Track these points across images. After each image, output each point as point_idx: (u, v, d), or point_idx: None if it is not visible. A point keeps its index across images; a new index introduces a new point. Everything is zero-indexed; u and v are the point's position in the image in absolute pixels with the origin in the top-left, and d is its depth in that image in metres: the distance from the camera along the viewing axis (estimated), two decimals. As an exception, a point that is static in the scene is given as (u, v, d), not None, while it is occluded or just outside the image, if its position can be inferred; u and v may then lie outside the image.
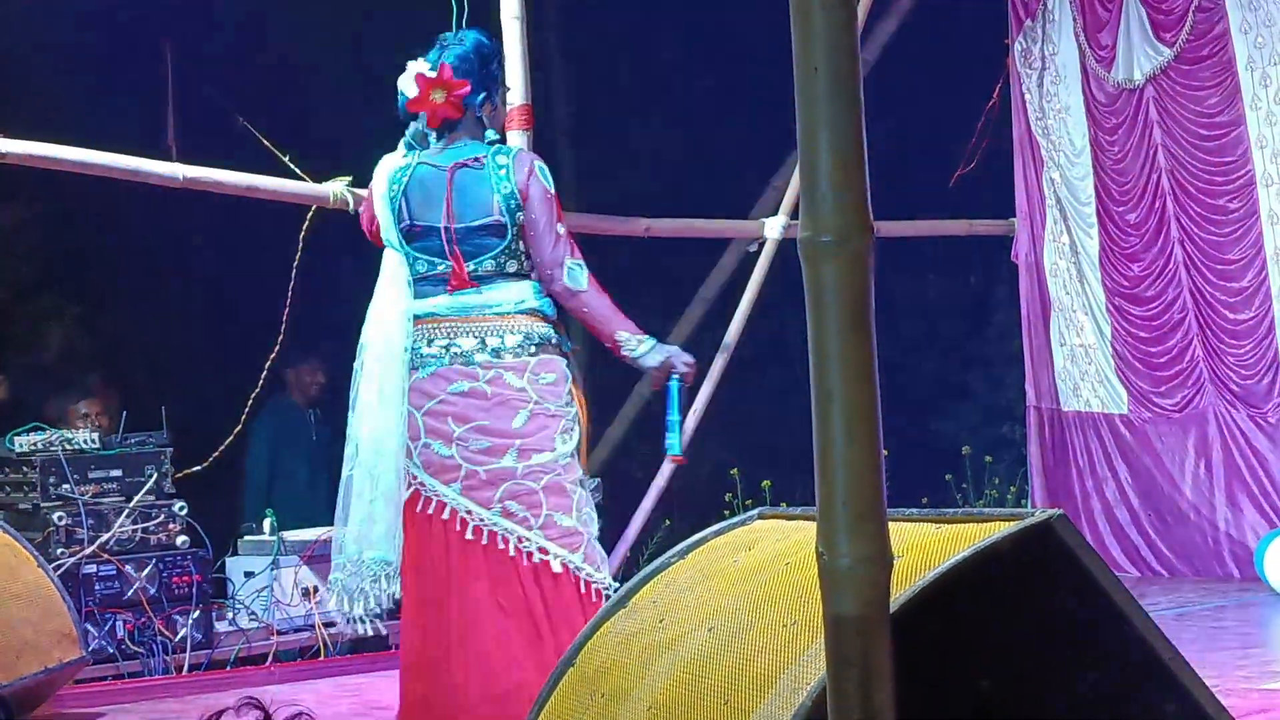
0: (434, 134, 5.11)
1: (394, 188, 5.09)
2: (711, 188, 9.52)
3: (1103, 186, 8.67)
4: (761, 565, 3.29)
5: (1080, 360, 8.85)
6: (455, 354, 5.03)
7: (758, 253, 8.25)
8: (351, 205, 6.76)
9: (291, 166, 6.76)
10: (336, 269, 7.72)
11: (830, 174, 2.21)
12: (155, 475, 6.75)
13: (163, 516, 6.77)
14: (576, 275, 5.06)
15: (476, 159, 5.06)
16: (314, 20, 8.95)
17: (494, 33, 6.66)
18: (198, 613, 6.71)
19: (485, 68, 5.10)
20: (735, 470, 8.53)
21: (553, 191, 5.07)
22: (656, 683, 3.12)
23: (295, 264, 6.75)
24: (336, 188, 6.78)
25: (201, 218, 7.75)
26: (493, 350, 5.02)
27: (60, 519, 6.51)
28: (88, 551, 6.49)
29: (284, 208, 6.94)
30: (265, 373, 7.02)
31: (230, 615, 7.05)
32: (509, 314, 5.04)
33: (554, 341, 5.08)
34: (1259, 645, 6.81)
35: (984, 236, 9.34)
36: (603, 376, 10.58)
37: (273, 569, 7.11)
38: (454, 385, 5.02)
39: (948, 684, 3.25)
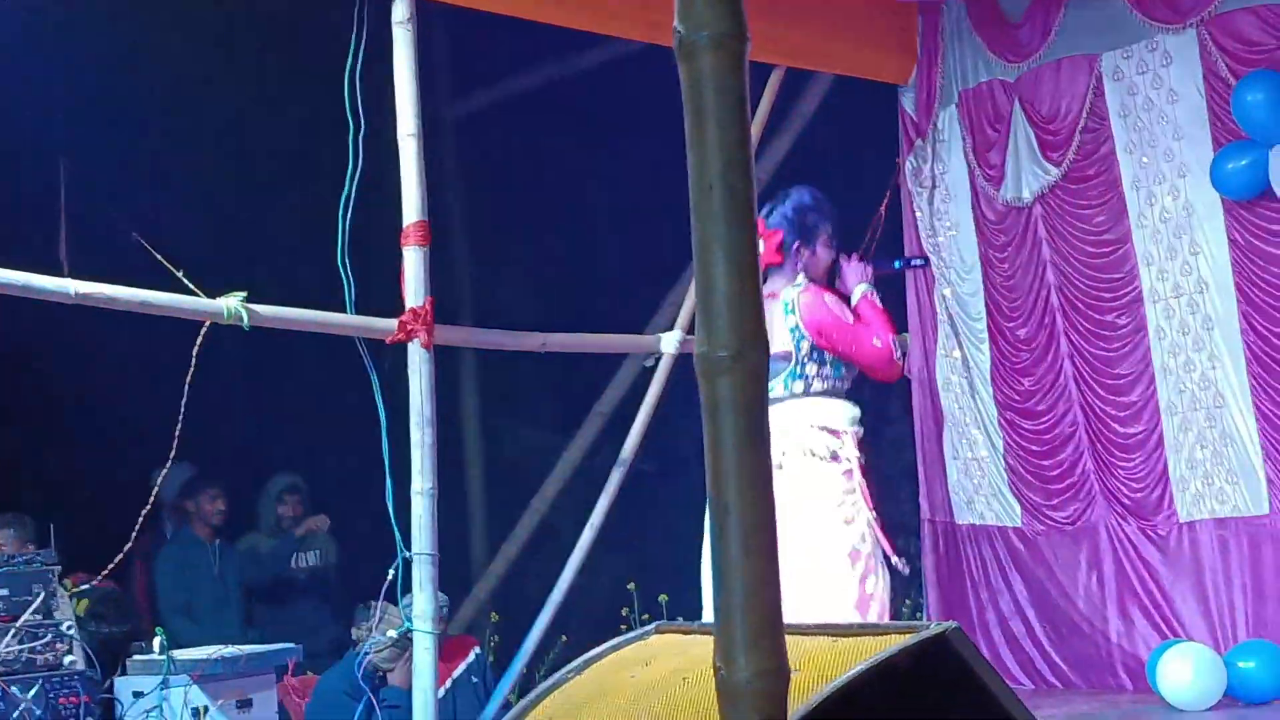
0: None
1: None
2: (608, 303, 9.55)
3: (993, 302, 8.77)
4: (658, 681, 3.28)
5: (974, 473, 8.90)
6: None
7: (654, 367, 8.27)
8: (245, 321, 6.70)
9: (185, 282, 6.69)
10: (230, 387, 7.64)
11: (725, 289, 2.23)
12: (42, 594, 6.65)
13: (50, 636, 6.65)
14: (895, 353, 6.08)
15: (775, 294, 5.97)
16: (209, 136, 8.94)
17: (390, 149, 6.68)
18: (85, 735, 6.59)
19: (801, 219, 6.02)
20: (632, 584, 8.49)
21: (838, 313, 6.06)
22: (554, 801, 3.09)
23: (188, 381, 6.66)
24: (231, 303, 6.71)
25: (95, 333, 7.65)
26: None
27: (-56, 641, 6.39)
28: (-28, 676, 6.36)
29: (178, 324, 6.86)
30: (154, 492, 6.91)
31: (119, 737, 6.92)
32: (788, 432, 5.83)
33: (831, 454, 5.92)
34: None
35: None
36: (498, 496, 10.54)
37: (162, 689, 6.99)
38: None
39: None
